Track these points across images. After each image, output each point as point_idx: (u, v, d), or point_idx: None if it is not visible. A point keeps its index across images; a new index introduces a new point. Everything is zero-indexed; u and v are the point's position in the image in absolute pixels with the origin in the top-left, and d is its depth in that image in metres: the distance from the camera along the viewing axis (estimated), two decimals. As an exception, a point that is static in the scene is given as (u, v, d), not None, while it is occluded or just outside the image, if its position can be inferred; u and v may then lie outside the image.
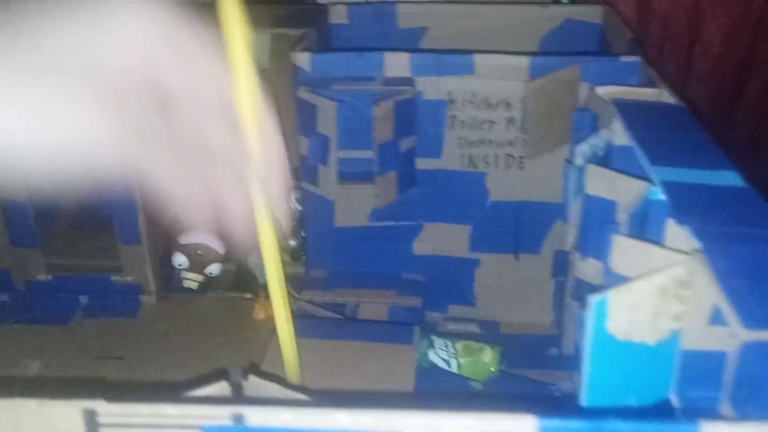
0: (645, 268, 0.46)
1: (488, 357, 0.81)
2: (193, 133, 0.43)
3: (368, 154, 0.78)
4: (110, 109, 0.39)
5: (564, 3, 1.08)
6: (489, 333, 0.91)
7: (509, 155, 0.84)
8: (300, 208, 0.95)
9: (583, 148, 0.59)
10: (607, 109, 0.65)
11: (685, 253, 0.45)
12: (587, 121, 0.70)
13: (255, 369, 0.60)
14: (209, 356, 0.87)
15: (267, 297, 0.94)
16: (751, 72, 1.27)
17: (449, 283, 0.93)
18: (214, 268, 0.98)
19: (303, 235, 0.97)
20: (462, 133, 0.83)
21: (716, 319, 0.44)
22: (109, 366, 0.86)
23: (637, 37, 0.86)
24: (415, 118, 0.81)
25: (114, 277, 0.96)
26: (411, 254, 0.91)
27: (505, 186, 0.86)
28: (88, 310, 0.96)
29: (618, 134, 0.63)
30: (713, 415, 0.42)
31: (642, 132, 0.57)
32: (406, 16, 1.00)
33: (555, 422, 0.33)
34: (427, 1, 1.03)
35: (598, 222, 0.58)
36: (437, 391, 0.73)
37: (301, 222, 0.96)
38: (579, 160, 0.60)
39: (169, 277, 0.99)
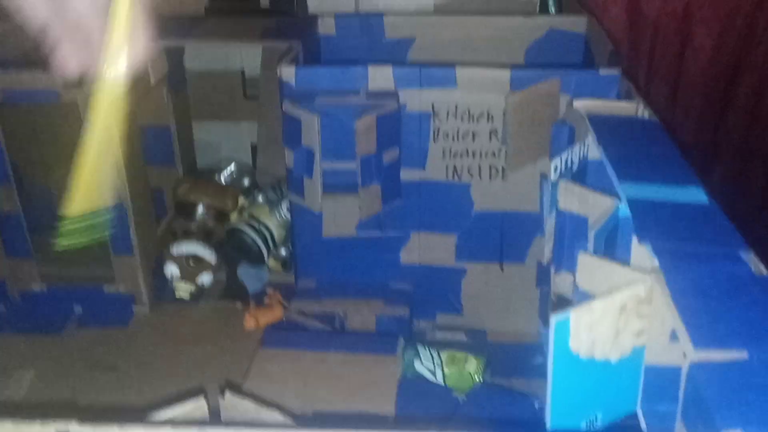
0: (608, 286, 0.47)
1: (473, 367, 0.82)
2: None
3: (351, 165, 0.80)
4: None
5: (550, 12, 1.09)
6: (476, 341, 0.92)
7: (492, 166, 0.85)
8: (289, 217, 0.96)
9: (556, 163, 0.60)
10: (583, 123, 0.66)
11: (646, 271, 0.46)
12: (564, 135, 0.71)
13: (232, 387, 0.61)
14: (200, 365, 0.89)
15: (257, 307, 0.96)
16: (742, 75, 1.27)
17: (436, 292, 0.94)
18: (205, 278, 0.99)
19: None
20: (446, 145, 0.84)
21: (677, 335, 0.45)
22: (102, 375, 0.88)
23: (617, 48, 0.87)
24: (398, 131, 0.83)
25: (107, 287, 0.98)
26: (398, 264, 0.92)
27: (489, 196, 0.87)
28: (81, 320, 0.98)
29: (593, 148, 0.64)
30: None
31: (612, 147, 0.58)
32: (393, 27, 1.01)
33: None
34: (414, 13, 1.04)
35: (571, 237, 0.59)
36: (418, 403, 0.74)
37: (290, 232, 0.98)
38: (553, 175, 0.61)
39: (161, 287, 1.00)
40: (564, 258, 0.61)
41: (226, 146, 1.26)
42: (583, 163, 0.65)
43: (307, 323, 0.88)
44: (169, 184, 1.07)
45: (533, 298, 0.91)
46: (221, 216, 1.02)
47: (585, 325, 0.44)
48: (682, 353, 0.42)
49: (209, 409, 0.49)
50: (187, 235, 1.00)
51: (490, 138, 0.83)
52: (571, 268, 0.59)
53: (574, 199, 0.58)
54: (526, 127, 0.78)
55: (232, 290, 1.00)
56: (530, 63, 0.99)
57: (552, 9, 1.10)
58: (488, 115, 0.82)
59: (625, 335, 0.46)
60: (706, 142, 1.32)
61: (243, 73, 1.22)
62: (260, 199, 1.06)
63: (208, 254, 0.99)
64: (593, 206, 0.56)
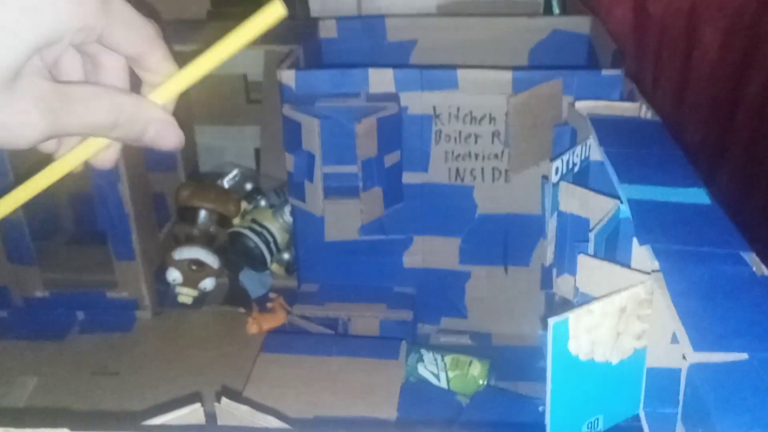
0: (608, 288, 0.46)
1: (477, 370, 0.81)
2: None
3: (352, 168, 0.79)
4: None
5: (554, 13, 1.09)
6: (481, 345, 0.92)
7: (496, 168, 0.84)
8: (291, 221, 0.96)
9: (557, 164, 0.59)
10: (585, 124, 0.66)
11: (647, 273, 0.45)
12: (567, 136, 0.71)
13: (229, 392, 0.61)
14: (203, 370, 0.88)
15: (260, 312, 0.96)
16: (750, 75, 1.26)
17: (441, 295, 0.93)
18: (208, 283, 0.99)
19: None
20: (448, 147, 0.84)
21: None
22: (104, 381, 0.88)
23: (622, 49, 0.86)
24: (400, 133, 0.82)
25: (109, 293, 0.98)
26: (401, 267, 0.91)
27: (492, 199, 0.86)
28: (84, 326, 0.98)
29: (594, 150, 0.63)
30: (672, 435, 0.43)
31: (614, 148, 0.58)
32: (395, 29, 1.01)
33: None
34: (416, 15, 1.04)
35: (572, 239, 0.59)
36: (421, 408, 0.73)
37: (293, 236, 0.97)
38: (554, 176, 0.60)
39: (163, 292, 1.00)
40: (566, 260, 0.60)
41: (230, 151, 1.26)
42: (585, 164, 0.64)
43: (309, 328, 0.87)
44: (171, 190, 1.07)
45: (538, 301, 0.90)
46: (224, 221, 1.02)
47: (584, 327, 0.43)
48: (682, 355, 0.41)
49: (205, 414, 0.48)
50: (190, 240, 1.00)
51: (493, 140, 0.83)
52: (573, 270, 0.59)
53: (575, 200, 0.57)
54: (528, 129, 0.77)
55: (234, 295, 0.99)
56: (534, 64, 0.98)
57: (556, 9, 1.10)
58: (490, 117, 0.81)
59: (625, 337, 0.46)
60: (714, 142, 1.31)
61: (245, 77, 1.22)
62: (263, 203, 1.06)
63: (210, 259, 0.98)
64: (594, 208, 0.55)
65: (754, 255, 0.46)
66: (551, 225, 0.62)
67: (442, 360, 0.81)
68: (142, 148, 0.92)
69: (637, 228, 0.47)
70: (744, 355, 0.38)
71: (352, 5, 1.09)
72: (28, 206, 0.41)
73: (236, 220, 1.04)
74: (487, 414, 0.73)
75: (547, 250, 0.65)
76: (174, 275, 0.97)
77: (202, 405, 0.47)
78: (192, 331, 0.97)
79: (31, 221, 0.95)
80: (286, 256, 1.04)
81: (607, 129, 0.62)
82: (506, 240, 0.88)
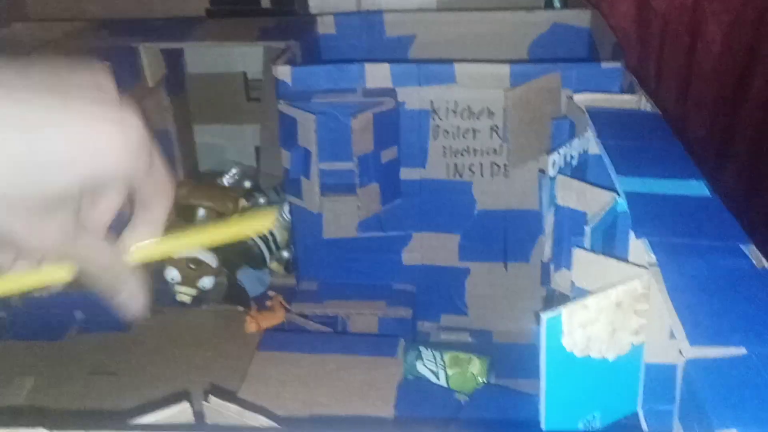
0: (605, 282, 0.45)
1: (476, 368, 0.80)
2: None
3: (349, 165, 0.78)
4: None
5: (555, 7, 1.07)
6: (481, 342, 0.91)
7: (494, 163, 0.83)
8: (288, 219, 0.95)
9: (554, 158, 0.58)
10: (583, 117, 0.65)
11: (644, 267, 0.44)
12: (565, 130, 0.70)
13: (217, 391, 0.60)
14: (201, 369, 0.87)
15: (259, 310, 0.95)
16: (754, 69, 1.25)
17: (440, 292, 0.92)
18: (206, 282, 0.98)
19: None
20: (446, 143, 0.83)
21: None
22: (102, 381, 0.87)
23: (626, 44, 0.85)
24: (397, 129, 0.81)
25: (108, 293, 0.97)
26: (401, 264, 0.91)
27: (491, 195, 0.85)
28: (82, 325, 0.97)
29: (592, 143, 0.62)
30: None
31: (611, 140, 0.57)
32: (394, 24, 1.00)
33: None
34: (415, 10, 1.03)
35: (569, 233, 0.58)
36: (420, 405, 0.72)
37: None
38: (551, 170, 0.59)
39: (162, 291, 0.99)
40: (563, 255, 0.59)
41: (231, 150, 1.25)
42: (583, 157, 0.63)
43: (308, 326, 0.87)
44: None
45: (538, 297, 0.89)
46: (222, 219, 1.01)
47: (579, 322, 0.42)
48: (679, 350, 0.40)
49: (195, 413, 0.47)
50: (188, 238, 0.99)
51: (491, 135, 0.82)
52: (570, 265, 0.58)
53: (572, 194, 0.56)
54: (526, 123, 0.76)
55: (233, 294, 0.98)
56: (534, 59, 0.97)
57: (556, 3, 1.09)
58: (489, 111, 0.80)
59: (622, 333, 0.45)
60: (719, 137, 1.30)
61: (245, 75, 1.21)
62: (262, 201, 1.05)
63: (208, 258, 0.97)
64: (591, 201, 0.54)
65: (753, 247, 0.44)
66: (548, 219, 0.61)
67: (441, 358, 0.81)
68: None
69: (634, 221, 0.46)
70: (742, 350, 0.36)
71: (352, 1, 1.08)
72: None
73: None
74: (486, 412, 0.72)
75: (545, 246, 0.64)
76: (172, 274, 0.96)
77: (191, 403, 0.47)
78: (191, 330, 0.96)
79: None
80: (285, 254, 1.03)
81: (605, 121, 0.61)
82: (506, 236, 0.87)
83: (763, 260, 0.43)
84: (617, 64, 0.75)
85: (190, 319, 0.98)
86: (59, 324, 0.97)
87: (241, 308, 0.96)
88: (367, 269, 0.91)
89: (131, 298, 0.48)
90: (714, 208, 0.48)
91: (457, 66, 0.79)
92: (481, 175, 0.84)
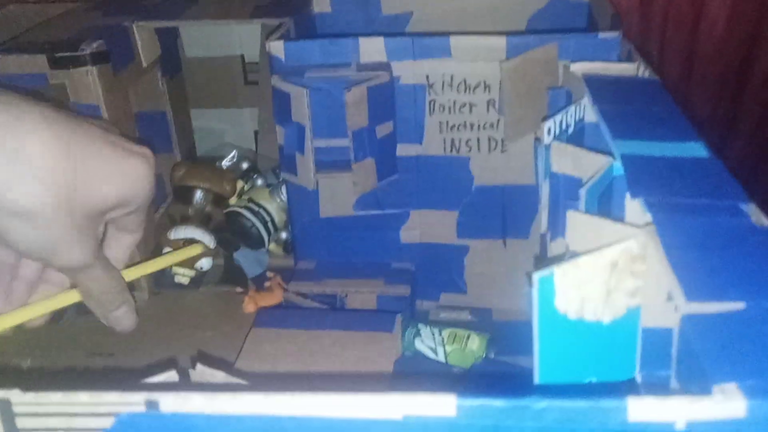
0: (599, 245, 0.44)
1: (475, 344, 0.80)
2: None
3: (344, 142, 0.77)
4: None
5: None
6: (482, 321, 0.90)
7: (492, 138, 0.82)
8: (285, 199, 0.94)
9: (550, 125, 0.57)
10: (580, 86, 0.64)
11: (639, 227, 0.43)
12: (562, 100, 0.69)
13: (203, 357, 0.59)
14: (199, 349, 0.87)
15: (256, 290, 0.94)
16: (759, 49, 1.23)
17: (439, 270, 0.91)
18: (204, 263, 0.97)
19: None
20: (442, 118, 0.82)
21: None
22: (100, 362, 0.86)
23: (627, 21, 0.84)
24: (392, 103, 0.80)
25: (105, 275, 0.96)
26: (399, 242, 0.90)
27: (489, 170, 0.84)
28: (80, 308, 0.96)
29: (589, 110, 0.61)
30: (667, 393, 0.41)
31: (608, 106, 0.56)
32: (390, 1, 0.99)
33: (475, 402, 0.32)
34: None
35: (565, 200, 0.57)
36: (417, 379, 0.71)
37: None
38: (546, 138, 0.58)
39: (160, 272, 0.98)
40: (559, 223, 0.58)
41: (229, 133, 1.25)
42: (580, 125, 0.62)
43: (305, 305, 0.86)
44: (168, 171, 1.05)
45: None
46: (219, 200, 1.00)
47: (572, 282, 0.41)
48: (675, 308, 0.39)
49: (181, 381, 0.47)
50: (185, 220, 0.98)
51: (488, 109, 0.81)
52: (565, 232, 0.57)
53: (567, 160, 0.55)
54: (523, 95, 0.75)
55: (230, 275, 0.98)
56: (526, 31, 0.96)
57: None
58: (485, 84, 0.79)
59: (617, 295, 0.44)
60: (723, 116, 1.29)
61: (243, 57, 1.20)
62: (259, 182, 1.04)
63: (206, 239, 0.97)
64: (587, 166, 0.53)
65: (753, 206, 0.43)
66: (544, 189, 0.60)
67: (440, 334, 0.80)
68: (135, 130, 0.92)
69: (630, 181, 0.45)
70: (741, 305, 0.35)
71: (347, -21, 1.07)
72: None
73: (233, 200, 1.03)
74: (484, 380, 0.71)
75: (541, 216, 0.63)
76: (169, 255, 0.96)
77: (178, 372, 0.46)
78: (189, 311, 0.95)
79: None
80: (283, 235, 1.02)
81: (601, 88, 0.60)
82: (504, 212, 0.86)
83: (763, 218, 0.42)
84: (615, 34, 0.74)
85: (189, 300, 0.97)
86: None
87: (239, 289, 0.96)
88: (366, 248, 0.90)
89: (123, 316, 0.62)
90: (712, 169, 0.47)
91: (452, 39, 0.78)
92: (479, 150, 0.83)
